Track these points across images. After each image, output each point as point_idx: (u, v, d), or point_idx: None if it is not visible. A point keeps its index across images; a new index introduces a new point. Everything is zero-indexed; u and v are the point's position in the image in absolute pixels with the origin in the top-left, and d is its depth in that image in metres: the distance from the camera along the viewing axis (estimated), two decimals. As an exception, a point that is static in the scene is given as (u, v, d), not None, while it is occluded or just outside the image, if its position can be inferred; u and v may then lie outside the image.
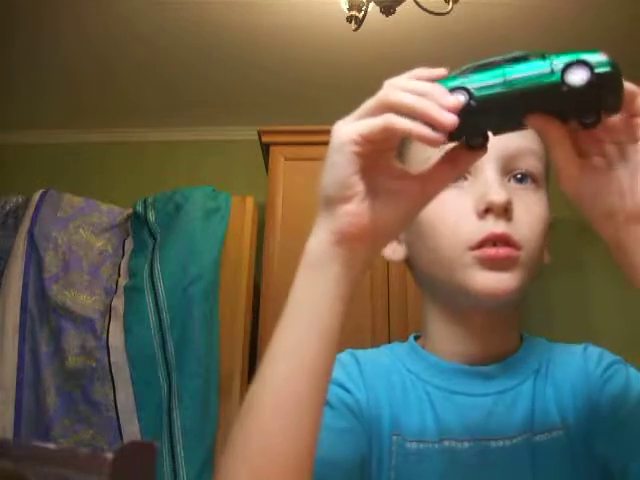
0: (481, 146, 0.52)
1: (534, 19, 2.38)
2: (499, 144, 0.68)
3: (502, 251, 0.64)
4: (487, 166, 0.68)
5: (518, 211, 0.66)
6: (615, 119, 0.50)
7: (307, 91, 2.83)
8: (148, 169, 3.06)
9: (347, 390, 0.69)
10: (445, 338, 0.72)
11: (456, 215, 0.67)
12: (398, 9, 1.96)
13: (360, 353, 0.75)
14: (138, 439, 1.97)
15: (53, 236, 2.30)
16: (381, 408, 0.69)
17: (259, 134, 2.46)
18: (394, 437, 0.67)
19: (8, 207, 2.41)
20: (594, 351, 0.73)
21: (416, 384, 0.71)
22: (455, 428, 0.67)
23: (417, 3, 1.95)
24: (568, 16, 2.37)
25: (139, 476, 0.26)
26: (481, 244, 0.65)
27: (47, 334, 2.17)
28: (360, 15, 1.97)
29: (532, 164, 0.70)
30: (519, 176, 0.69)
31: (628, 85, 0.49)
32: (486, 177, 0.67)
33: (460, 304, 0.70)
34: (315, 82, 2.77)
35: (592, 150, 0.52)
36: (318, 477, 0.52)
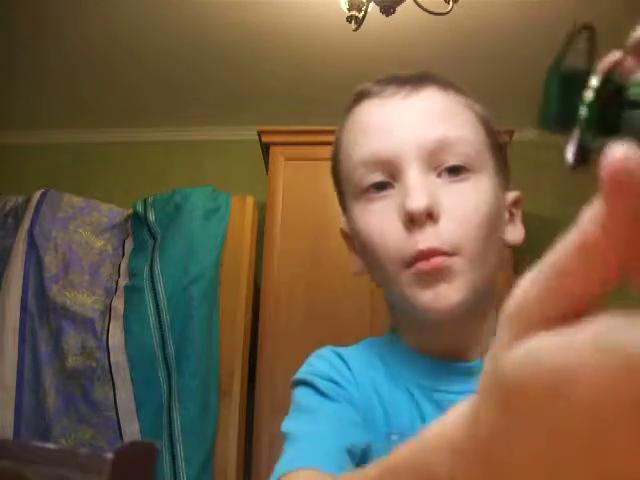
0: None
1: (534, 19, 2.38)
2: (418, 138, 0.64)
3: (434, 261, 0.61)
4: (408, 166, 0.63)
5: (449, 208, 0.62)
6: None
7: (307, 91, 2.83)
8: (148, 169, 3.06)
9: (341, 387, 0.66)
10: (417, 338, 0.70)
11: (383, 231, 0.64)
12: (398, 9, 1.96)
13: (342, 350, 0.71)
14: (138, 439, 1.97)
15: (53, 236, 2.30)
16: (374, 407, 0.67)
17: (259, 134, 2.46)
18: (393, 437, 0.66)
19: (8, 207, 2.41)
20: None
21: (399, 382, 0.68)
22: None
23: (417, 3, 1.95)
24: (568, 15, 2.37)
25: (139, 476, 0.26)
26: (413, 261, 0.62)
27: (47, 334, 2.17)
28: (360, 15, 1.97)
29: (461, 152, 0.64)
30: (450, 168, 0.64)
31: None
32: (406, 181, 0.63)
33: (415, 317, 0.67)
34: (315, 82, 2.77)
35: None
36: (343, 467, 0.51)
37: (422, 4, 1.96)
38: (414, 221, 0.61)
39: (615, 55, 0.26)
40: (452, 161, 0.64)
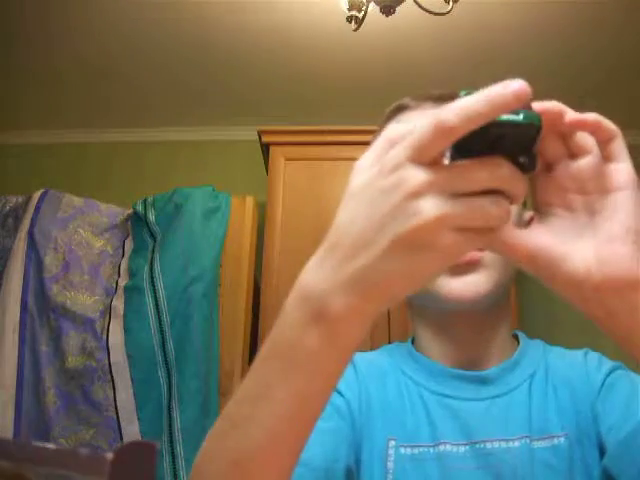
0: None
1: (533, 19, 2.38)
2: None
3: (469, 254, 0.63)
4: None
5: None
6: (583, 163, 0.42)
7: (307, 91, 2.83)
8: (148, 169, 3.06)
9: (338, 391, 0.68)
10: (433, 343, 0.72)
11: None
12: (398, 9, 1.96)
13: (357, 355, 0.73)
14: (138, 439, 1.97)
15: (53, 236, 2.30)
16: (373, 411, 0.68)
17: (259, 134, 2.46)
18: (390, 441, 0.67)
19: (8, 207, 2.41)
20: (593, 357, 0.72)
21: (410, 387, 0.70)
22: (450, 432, 0.66)
23: (417, 3, 1.95)
24: (567, 16, 2.37)
25: (139, 476, 0.26)
26: None
27: (47, 334, 2.17)
28: (360, 15, 1.97)
29: None
30: None
31: (607, 124, 0.42)
32: None
33: (437, 309, 0.69)
34: (315, 82, 2.77)
35: (554, 199, 0.44)
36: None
37: (422, 4, 1.96)
38: None
39: None
40: None
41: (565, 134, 0.43)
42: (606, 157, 0.42)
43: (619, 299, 0.40)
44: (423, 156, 0.39)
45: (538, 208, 0.45)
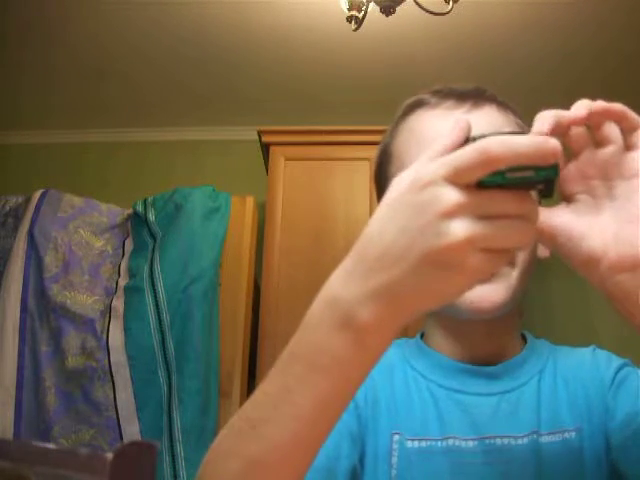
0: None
1: (534, 19, 2.38)
2: None
3: None
4: None
5: None
6: (607, 152, 0.46)
7: (307, 91, 2.83)
8: (148, 169, 3.06)
9: None
10: (444, 341, 0.72)
11: None
12: (398, 9, 1.96)
13: None
14: (138, 439, 1.97)
15: (53, 236, 2.30)
16: (379, 406, 0.68)
17: (259, 134, 2.46)
18: (395, 436, 0.66)
19: (8, 207, 2.41)
20: (602, 353, 0.73)
21: (419, 382, 0.70)
22: (459, 427, 0.66)
23: (417, 3, 1.95)
24: (567, 16, 2.37)
25: (139, 476, 0.26)
26: None
27: (47, 334, 2.17)
28: (360, 15, 1.97)
29: None
30: None
31: (629, 113, 0.45)
32: None
33: (455, 315, 0.69)
34: (315, 82, 2.77)
35: (577, 188, 0.47)
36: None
37: (422, 4, 1.96)
38: None
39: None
40: None
41: (592, 126, 0.46)
42: (629, 145, 0.45)
43: (633, 279, 0.43)
44: (460, 177, 0.40)
45: (563, 197, 0.48)
